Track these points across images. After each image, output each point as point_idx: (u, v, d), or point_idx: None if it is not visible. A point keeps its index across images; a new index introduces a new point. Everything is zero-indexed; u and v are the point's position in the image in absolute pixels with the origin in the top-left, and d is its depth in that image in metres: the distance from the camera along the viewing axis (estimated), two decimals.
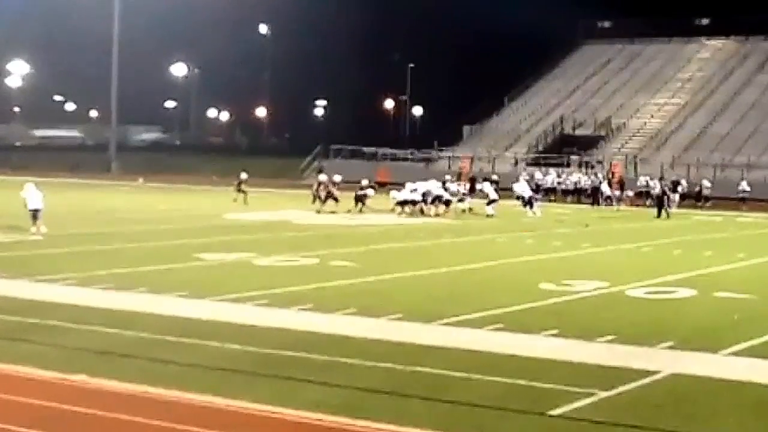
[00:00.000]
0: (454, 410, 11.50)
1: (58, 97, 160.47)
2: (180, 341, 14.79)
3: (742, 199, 53.85)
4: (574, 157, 68.84)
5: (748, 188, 55.15)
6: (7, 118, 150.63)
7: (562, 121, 77.58)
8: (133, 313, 17.02)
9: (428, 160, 74.88)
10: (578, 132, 76.04)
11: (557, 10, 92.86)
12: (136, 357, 13.75)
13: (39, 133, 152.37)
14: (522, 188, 45.60)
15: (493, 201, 43.31)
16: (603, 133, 75.42)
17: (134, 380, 12.33)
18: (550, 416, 11.31)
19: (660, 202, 45.41)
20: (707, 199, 53.98)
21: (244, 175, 47.14)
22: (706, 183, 55.57)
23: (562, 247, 30.24)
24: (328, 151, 75.92)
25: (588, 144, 73.25)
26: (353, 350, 14.32)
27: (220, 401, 11.54)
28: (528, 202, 44.45)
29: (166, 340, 14.89)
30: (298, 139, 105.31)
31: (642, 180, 56.31)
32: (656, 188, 49.12)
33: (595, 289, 21.03)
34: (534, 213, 43.49)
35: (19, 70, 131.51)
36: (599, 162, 66.87)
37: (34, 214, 30.83)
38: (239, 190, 46.72)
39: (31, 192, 31.65)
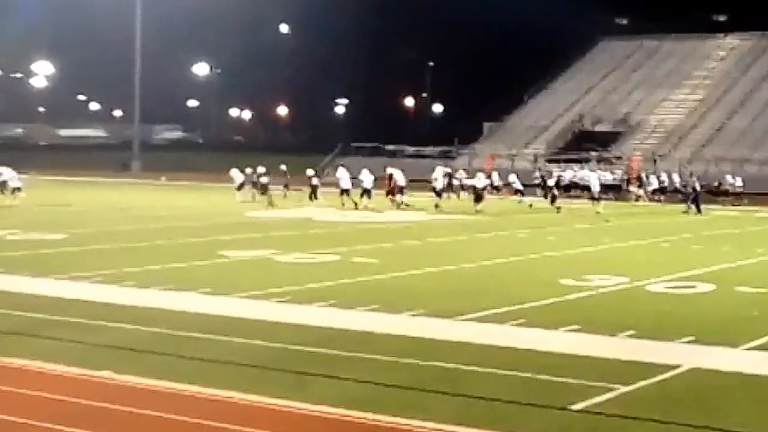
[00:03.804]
0: (475, 405, 11.58)
1: (81, 97, 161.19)
2: (203, 337, 14.93)
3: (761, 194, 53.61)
4: (593, 154, 68.77)
5: None
6: (33, 117, 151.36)
7: (581, 118, 77.50)
8: (157, 310, 17.17)
9: (448, 157, 74.89)
10: (597, 128, 75.95)
11: (576, 6, 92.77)
12: (160, 353, 13.89)
13: (63, 132, 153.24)
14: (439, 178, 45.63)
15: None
16: (622, 129, 75.31)
17: (158, 376, 12.44)
18: (571, 411, 11.36)
19: (693, 199, 45.29)
20: (735, 195, 53.65)
21: (261, 169, 47.44)
22: (730, 179, 55.31)
23: (583, 243, 30.28)
24: (348, 149, 76.06)
25: (607, 140, 73.15)
26: (375, 346, 14.43)
27: (242, 397, 11.64)
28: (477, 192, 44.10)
29: (189, 336, 15.02)
30: (319, 138, 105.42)
31: (663, 176, 56.25)
32: (687, 185, 48.76)
33: (615, 285, 21.08)
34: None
35: (43, 71, 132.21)
36: (618, 158, 66.80)
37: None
38: (257, 185, 46.95)
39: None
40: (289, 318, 16.56)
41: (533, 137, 77.47)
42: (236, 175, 48.59)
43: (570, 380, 12.59)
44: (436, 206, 43.03)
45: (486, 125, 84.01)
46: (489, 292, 19.79)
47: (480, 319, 16.65)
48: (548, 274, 22.53)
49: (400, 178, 44.49)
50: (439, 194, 44.77)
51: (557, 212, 42.89)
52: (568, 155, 68.82)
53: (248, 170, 48.07)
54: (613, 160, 66.31)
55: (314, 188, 45.18)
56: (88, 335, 15.01)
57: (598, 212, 40.95)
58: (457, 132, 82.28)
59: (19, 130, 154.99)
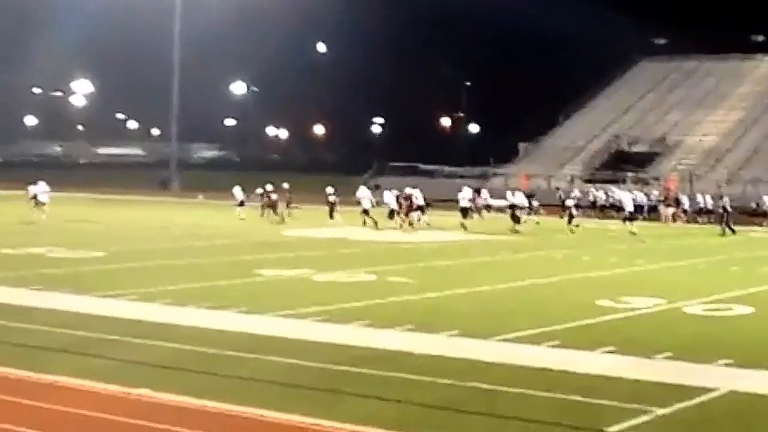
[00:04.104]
0: (510, 426, 11.58)
1: (120, 116, 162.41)
2: (240, 356, 15.00)
3: None
4: (629, 174, 68.54)
5: None
6: (72, 136, 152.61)
7: (617, 138, 77.30)
8: (193, 328, 17.27)
9: (484, 177, 74.87)
10: (634, 149, 75.71)
11: (614, 27, 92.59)
12: (197, 371, 13.97)
13: (102, 150, 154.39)
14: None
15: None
16: (659, 150, 75.03)
17: (194, 394, 12.51)
18: None
19: (722, 219, 45.10)
20: None
21: (269, 187, 48.17)
22: (767, 200, 54.90)
23: (619, 264, 30.19)
24: (384, 167, 76.20)
25: (644, 161, 72.91)
26: (410, 366, 14.45)
27: (277, 415, 11.69)
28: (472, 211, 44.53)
29: (226, 354, 15.10)
30: (355, 157, 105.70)
31: (699, 197, 55.98)
32: (717, 205, 48.58)
33: (652, 306, 21.00)
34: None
35: (82, 90, 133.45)
36: (655, 179, 66.54)
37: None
38: (268, 206, 47.60)
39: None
40: (325, 337, 16.61)
41: (569, 158, 77.33)
42: (237, 192, 49.17)
43: (606, 402, 12.56)
44: (462, 226, 43.12)
45: (522, 145, 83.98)
46: (524, 313, 19.77)
47: (515, 340, 16.65)
48: (584, 295, 22.48)
49: (418, 198, 44.55)
50: (465, 214, 44.79)
51: (572, 232, 42.82)
52: (604, 176, 68.62)
53: (258, 190, 48.61)
54: (650, 181, 66.05)
55: (332, 206, 45.32)
56: (125, 353, 15.13)
57: (633, 233, 40.80)
58: (493, 152, 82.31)
59: (59, 148, 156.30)
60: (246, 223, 45.11)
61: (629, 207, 43.33)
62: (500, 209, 49.12)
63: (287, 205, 48.57)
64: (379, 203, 45.29)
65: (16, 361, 14.28)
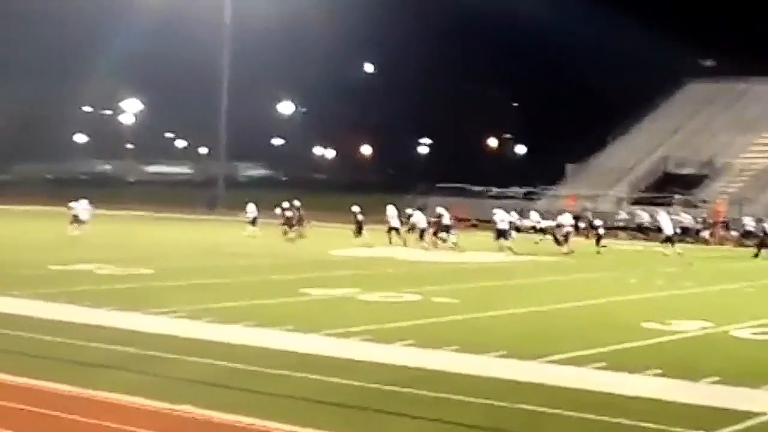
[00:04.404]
0: None
1: (169, 134, 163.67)
2: (285, 374, 15.03)
3: None
4: (677, 197, 68.10)
5: None
6: (121, 154, 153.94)
7: (665, 160, 76.86)
8: (239, 346, 17.33)
9: (531, 198, 74.65)
10: (681, 171, 75.23)
11: (661, 49, 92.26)
12: (241, 388, 14.02)
13: (151, 169, 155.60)
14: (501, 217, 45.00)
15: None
16: (707, 172, 74.51)
17: (237, 411, 12.54)
18: None
19: (761, 243, 44.74)
20: None
21: (286, 204, 48.84)
22: None
23: (666, 286, 29.99)
24: (431, 188, 76.17)
25: (692, 183, 72.39)
26: (455, 386, 14.43)
27: None
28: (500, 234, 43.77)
29: (270, 372, 15.13)
30: (402, 177, 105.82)
31: (746, 220, 55.56)
32: (758, 228, 48.24)
33: (699, 329, 20.84)
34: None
35: (132, 108, 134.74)
36: (704, 201, 66.08)
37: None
38: (289, 224, 48.02)
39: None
40: (370, 356, 16.63)
41: (616, 179, 76.94)
42: (251, 209, 49.70)
43: (652, 425, 12.46)
44: (500, 248, 42.82)
45: (569, 167, 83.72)
46: (570, 335, 19.69)
47: (561, 362, 16.58)
48: (630, 318, 22.34)
49: (445, 218, 44.61)
50: (503, 235, 44.30)
51: (598, 253, 42.69)
52: (651, 197, 68.22)
53: (278, 210, 49.25)
54: (699, 204, 65.60)
55: (359, 224, 45.49)
56: (169, 369, 15.23)
57: (679, 253, 40.85)
58: (540, 173, 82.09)
59: (108, 167, 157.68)
60: (293, 242, 45.25)
61: (668, 230, 43.18)
62: (544, 230, 48.92)
63: (299, 223, 48.85)
64: (409, 223, 45.37)
65: (61, 376, 14.40)
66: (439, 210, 45.14)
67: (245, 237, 46.97)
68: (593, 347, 17.94)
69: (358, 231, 45.17)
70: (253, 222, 49.05)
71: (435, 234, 44.19)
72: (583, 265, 37.83)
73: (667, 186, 71.61)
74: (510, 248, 42.36)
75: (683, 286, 30.38)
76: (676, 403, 13.76)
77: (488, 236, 45.72)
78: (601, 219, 49.83)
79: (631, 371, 15.80)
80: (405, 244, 43.44)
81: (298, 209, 49.60)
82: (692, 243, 51.63)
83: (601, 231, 45.42)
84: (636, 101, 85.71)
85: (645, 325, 21.09)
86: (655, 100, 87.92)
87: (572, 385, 14.77)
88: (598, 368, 16.03)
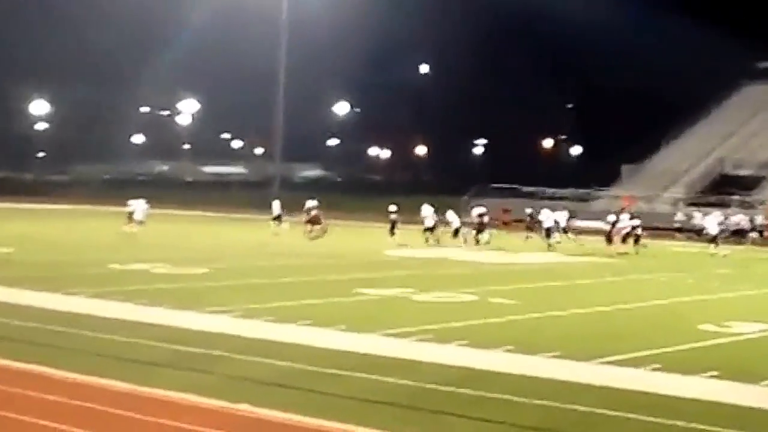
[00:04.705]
0: None
1: (225, 135, 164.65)
2: (340, 374, 15.10)
3: None
4: (734, 198, 67.47)
5: None
6: (178, 154, 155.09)
7: (721, 162, 76.16)
8: (294, 345, 17.43)
9: (586, 200, 74.30)
10: (738, 173, 74.52)
11: (717, 51, 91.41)
12: (296, 388, 14.09)
13: (207, 169, 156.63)
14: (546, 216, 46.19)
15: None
16: (764, 173, 73.73)
17: (294, 410, 12.62)
18: None
19: None
20: None
21: (311, 203, 49.22)
22: None
23: (722, 288, 29.74)
24: (486, 189, 76.04)
25: (749, 184, 71.70)
26: (510, 387, 14.42)
27: None
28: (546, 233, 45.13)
29: (325, 372, 15.21)
30: (457, 178, 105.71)
31: None
32: None
33: (756, 332, 20.65)
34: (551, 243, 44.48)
35: (188, 109, 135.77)
36: (761, 203, 65.43)
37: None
38: (310, 222, 48.44)
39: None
40: (425, 356, 16.65)
41: (672, 181, 76.40)
42: (276, 207, 50.40)
43: (709, 428, 12.40)
44: (549, 246, 44.07)
45: (624, 168, 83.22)
46: (625, 336, 19.60)
47: (617, 363, 16.50)
48: (686, 319, 22.21)
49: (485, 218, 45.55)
50: (547, 235, 45.36)
51: (636, 253, 42.49)
52: (707, 199, 67.65)
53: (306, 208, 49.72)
54: (757, 206, 64.96)
55: (393, 224, 45.82)
56: (227, 368, 15.33)
57: (717, 254, 41.73)
58: (595, 174, 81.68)
59: (165, 167, 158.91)
60: (348, 243, 45.37)
61: (713, 230, 43.79)
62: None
63: (314, 222, 49.12)
64: (443, 222, 45.93)
65: (120, 374, 14.57)
66: (479, 210, 45.82)
67: (304, 237, 47.11)
68: (649, 348, 17.84)
69: (392, 231, 45.48)
70: (277, 218, 49.69)
71: (478, 232, 44.78)
72: (640, 266, 37.59)
73: (724, 187, 71.00)
74: (551, 245, 43.71)
75: (740, 288, 30.09)
76: (733, 406, 13.67)
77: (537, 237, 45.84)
78: (657, 221, 49.61)
79: (686, 373, 15.71)
80: (438, 243, 44.05)
81: (314, 209, 49.71)
82: (748, 245, 51.20)
83: (639, 231, 45.09)
84: (692, 103, 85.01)
85: (701, 327, 20.94)
86: (711, 102, 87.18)
87: (628, 386, 14.71)
88: (654, 369, 15.95)
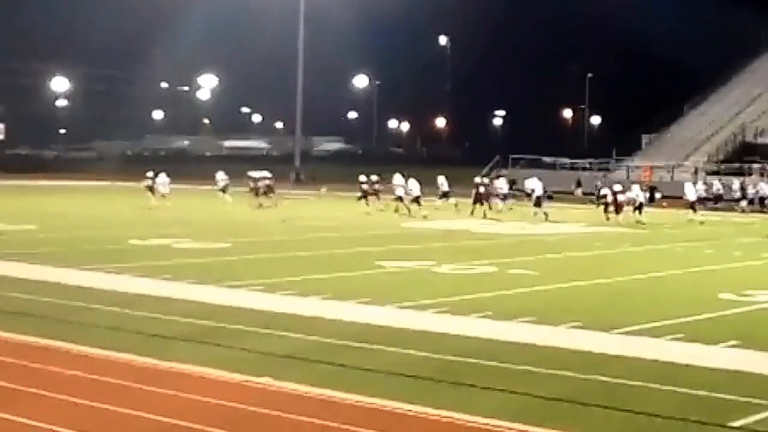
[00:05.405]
0: (633, 420, 11.49)
1: (245, 109, 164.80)
2: (361, 347, 15.15)
3: None
4: (755, 166, 67.15)
5: None
6: (198, 129, 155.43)
7: (743, 130, 75.75)
8: (316, 319, 17.49)
9: (606, 170, 74.11)
10: (759, 140, 74.11)
11: (739, 17, 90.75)
12: (319, 361, 14.13)
13: (227, 143, 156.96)
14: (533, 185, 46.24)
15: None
16: None
17: (316, 383, 12.66)
18: (731, 428, 11.21)
19: None
20: None
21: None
22: None
23: (743, 257, 29.64)
24: (506, 160, 75.96)
25: None
26: (532, 358, 14.44)
27: (400, 406, 11.78)
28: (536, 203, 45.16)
29: (347, 345, 15.25)
30: (477, 150, 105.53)
31: None
32: None
33: None
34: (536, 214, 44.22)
35: (208, 84, 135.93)
36: None
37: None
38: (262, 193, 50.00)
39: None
40: (447, 328, 16.67)
41: (693, 149, 76.06)
42: (221, 177, 52.62)
43: (729, 397, 12.40)
44: (543, 215, 43.97)
45: (644, 137, 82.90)
46: (646, 306, 19.57)
47: (637, 333, 16.51)
48: (707, 289, 22.17)
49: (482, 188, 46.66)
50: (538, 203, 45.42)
51: (642, 224, 42.09)
52: (729, 167, 67.37)
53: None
54: None
55: (365, 193, 47.84)
56: (248, 342, 15.39)
57: (695, 220, 43.57)
58: (615, 144, 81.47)
59: (186, 142, 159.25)
60: (368, 215, 45.42)
61: (690, 196, 45.63)
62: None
63: (265, 193, 50.40)
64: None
65: (141, 348, 14.67)
66: (479, 180, 47.44)
67: (321, 210, 47.24)
68: (669, 318, 17.83)
69: (364, 198, 47.41)
70: (224, 190, 50.98)
71: (479, 203, 45.81)
72: (659, 236, 37.53)
73: (746, 155, 70.67)
74: (546, 213, 43.77)
75: (761, 256, 29.99)
76: (755, 374, 13.66)
77: (561, 207, 45.71)
78: (677, 190, 49.73)
79: (707, 342, 15.70)
80: (409, 213, 44.75)
81: (268, 179, 51.01)
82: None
83: (642, 200, 44.82)
84: (712, 71, 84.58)
85: (721, 295, 20.91)
86: (732, 68, 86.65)
87: (649, 356, 14.71)
88: (674, 339, 15.94)
